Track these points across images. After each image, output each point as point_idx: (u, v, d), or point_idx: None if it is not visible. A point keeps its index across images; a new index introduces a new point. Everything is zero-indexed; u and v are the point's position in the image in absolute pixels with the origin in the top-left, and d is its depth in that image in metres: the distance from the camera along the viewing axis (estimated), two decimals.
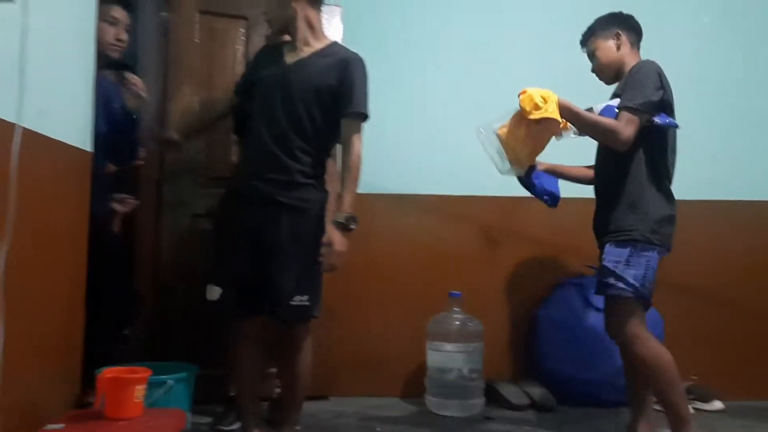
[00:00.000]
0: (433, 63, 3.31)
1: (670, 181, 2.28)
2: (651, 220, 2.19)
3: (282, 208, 2.03)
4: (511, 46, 3.32)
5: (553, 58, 3.20)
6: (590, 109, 2.30)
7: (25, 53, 1.53)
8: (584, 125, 2.24)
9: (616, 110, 2.20)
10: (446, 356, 2.88)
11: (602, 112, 2.26)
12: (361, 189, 3.06)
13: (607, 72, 2.41)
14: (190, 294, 2.61)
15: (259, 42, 2.72)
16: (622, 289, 2.17)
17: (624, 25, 2.40)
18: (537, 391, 2.99)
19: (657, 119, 2.18)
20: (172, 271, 2.77)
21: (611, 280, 2.19)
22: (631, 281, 2.16)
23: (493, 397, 2.99)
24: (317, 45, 2.13)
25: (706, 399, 3.03)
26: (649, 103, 2.16)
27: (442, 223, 3.25)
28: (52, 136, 1.77)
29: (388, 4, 3.32)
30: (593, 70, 2.46)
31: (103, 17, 2.29)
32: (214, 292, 2.06)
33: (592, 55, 2.44)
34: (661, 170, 2.24)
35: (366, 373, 3.10)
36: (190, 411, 2.22)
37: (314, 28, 2.15)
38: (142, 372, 1.88)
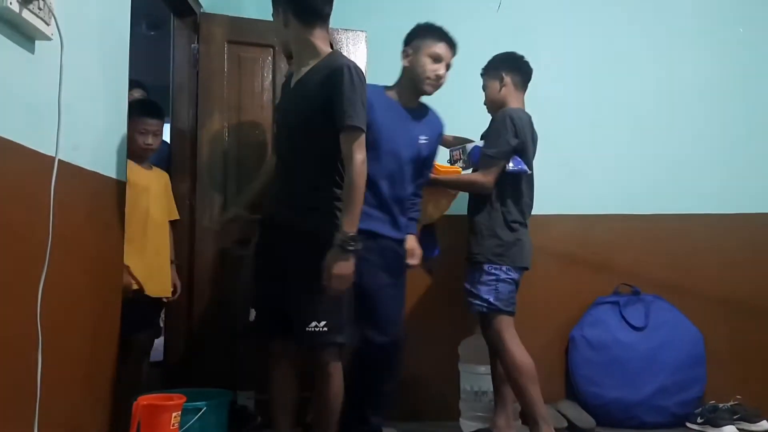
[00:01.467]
0: (454, 81, 3.30)
1: (522, 213, 2.63)
2: (495, 244, 2.54)
3: (293, 234, 2.02)
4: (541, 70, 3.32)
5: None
6: (464, 148, 2.71)
7: (61, 90, 1.57)
8: (453, 186, 2.70)
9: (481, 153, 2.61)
10: (479, 378, 2.83)
11: (471, 154, 2.67)
12: None
13: (490, 108, 2.72)
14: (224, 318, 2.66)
15: (286, 69, 2.77)
16: (479, 305, 2.52)
17: (510, 67, 2.67)
18: (575, 413, 2.92)
19: (510, 164, 2.55)
20: (206, 295, 2.81)
21: (469, 299, 2.56)
22: (485, 297, 2.50)
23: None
24: (313, 62, 2.08)
25: (751, 419, 2.92)
26: (503, 151, 2.53)
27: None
28: (85, 167, 1.81)
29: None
30: (484, 103, 2.75)
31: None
32: (251, 314, 2.13)
33: (483, 89, 2.73)
34: (509, 204, 2.59)
35: (400, 398, 3.06)
36: None
37: (311, 46, 2.09)
38: (177, 399, 1.89)
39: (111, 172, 2.03)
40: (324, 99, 1.97)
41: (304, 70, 2.10)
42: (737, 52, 3.36)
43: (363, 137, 1.97)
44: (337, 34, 2.93)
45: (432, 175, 2.58)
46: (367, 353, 2.30)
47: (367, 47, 3.03)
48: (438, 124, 2.53)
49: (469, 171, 2.67)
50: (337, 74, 1.96)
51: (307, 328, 1.98)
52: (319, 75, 2.02)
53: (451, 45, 2.44)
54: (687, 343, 3.01)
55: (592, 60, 3.34)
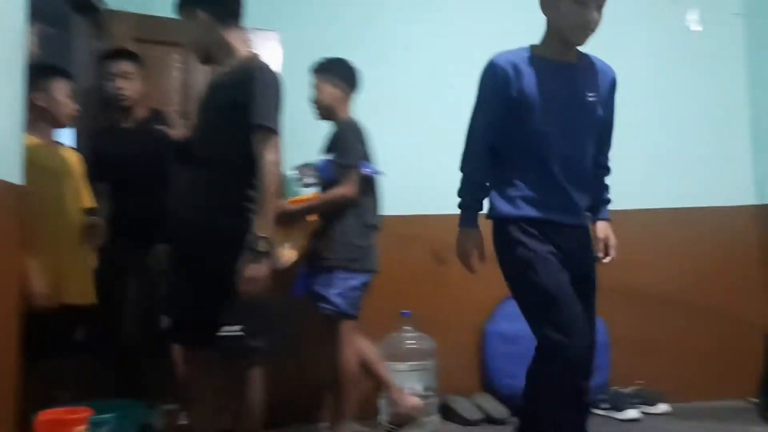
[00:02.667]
0: (378, 82, 3.33)
1: (375, 217, 2.70)
2: (348, 249, 2.57)
3: (203, 237, 1.98)
4: (455, 65, 3.40)
5: None
6: (309, 165, 2.78)
7: None
8: (321, 210, 2.66)
9: (335, 166, 2.61)
10: (399, 376, 2.87)
11: (321, 170, 2.68)
12: None
13: (320, 111, 2.73)
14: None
15: (198, 69, 2.71)
16: (329, 309, 2.55)
17: (343, 75, 2.71)
18: (490, 405, 3.01)
19: (364, 169, 2.61)
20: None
21: (320, 303, 2.57)
22: (334, 301, 2.54)
23: (447, 413, 3.00)
24: (229, 63, 2.06)
25: (651, 402, 3.11)
26: (357, 158, 2.59)
27: (388, 244, 3.24)
28: None
29: (329, 26, 3.35)
30: (310, 100, 2.74)
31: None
32: (164, 321, 2.10)
33: (312, 87, 2.71)
34: (364, 209, 2.63)
35: (321, 400, 3.05)
36: None
37: (227, 46, 2.06)
38: (82, 412, 1.81)
39: (5, 175, 1.91)
40: (236, 100, 1.94)
41: (220, 70, 2.06)
42: (677, 44, 3.58)
43: (276, 139, 1.95)
44: (250, 35, 2.89)
45: (290, 208, 2.61)
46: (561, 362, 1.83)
47: (282, 48, 3.01)
48: (608, 71, 2.01)
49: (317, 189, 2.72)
50: (251, 75, 1.94)
51: (220, 333, 1.94)
52: (235, 76, 1.99)
53: None
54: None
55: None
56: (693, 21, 3.61)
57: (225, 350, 1.98)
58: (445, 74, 3.40)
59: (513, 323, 3.13)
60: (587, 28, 1.87)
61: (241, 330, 1.95)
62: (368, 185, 2.68)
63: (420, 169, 3.31)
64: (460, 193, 1.99)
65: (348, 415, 2.62)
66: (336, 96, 2.68)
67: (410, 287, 3.20)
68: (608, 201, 2.13)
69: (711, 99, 3.60)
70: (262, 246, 1.87)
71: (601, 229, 2.08)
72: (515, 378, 3.05)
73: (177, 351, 2.23)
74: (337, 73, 2.70)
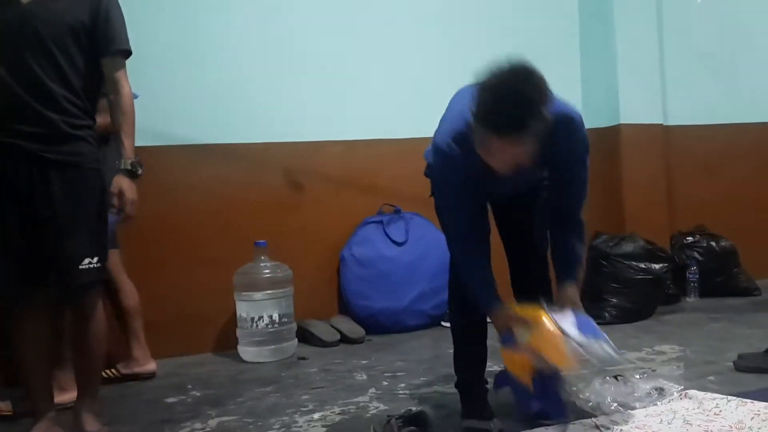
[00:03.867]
0: (225, 7, 3.15)
1: None
2: None
3: (51, 165, 1.82)
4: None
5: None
6: None
7: None
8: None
9: None
10: (256, 305, 2.88)
11: None
12: (155, 141, 2.93)
13: None
14: None
15: None
16: None
17: None
18: (346, 326, 3.14)
19: None
20: None
21: None
22: None
23: (305, 337, 3.09)
24: None
25: None
26: None
27: (242, 172, 3.18)
28: None
29: None
30: None
31: None
32: None
33: None
34: None
35: (175, 334, 2.99)
36: None
37: None
38: None
39: None
40: (90, 19, 1.86)
41: None
42: None
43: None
44: None
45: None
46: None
47: None
48: None
49: None
50: None
51: (80, 266, 1.84)
52: None
53: None
54: (440, 253, 3.33)
55: None
56: None
57: (83, 284, 1.86)
58: None
59: (366, 248, 3.28)
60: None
61: (98, 261, 1.89)
62: None
63: (269, 95, 3.21)
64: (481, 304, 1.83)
65: None
66: None
67: (265, 216, 3.17)
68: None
69: None
70: (138, 169, 1.91)
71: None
72: (369, 299, 3.24)
73: None
74: None
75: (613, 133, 3.64)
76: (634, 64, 3.63)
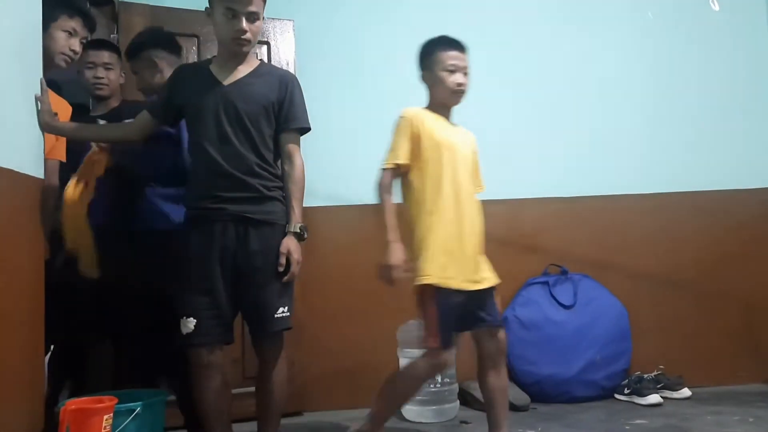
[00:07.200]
0: (386, 72, 3.32)
1: None
2: None
3: (251, 224, 2.04)
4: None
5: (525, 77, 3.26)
6: None
7: None
8: None
9: None
10: None
11: None
12: (323, 202, 3.11)
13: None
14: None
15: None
16: None
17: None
18: (510, 392, 3.00)
19: None
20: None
21: None
22: None
23: (467, 400, 3.01)
24: (248, 65, 2.14)
25: (673, 387, 3.09)
26: None
27: None
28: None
29: (341, 15, 3.33)
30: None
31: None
32: (189, 324, 2.01)
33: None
34: None
35: (340, 387, 3.08)
36: None
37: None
38: (108, 401, 1.83)
39: (27, 169, 1.93)
40: (278, 99, 2.10)
41: (243, 69, 2.11)
42: (649, 37, 3.51)
43: None
44: (264, 24, 2.88)
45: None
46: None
47: (294, 36, 3.00)
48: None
49: None
50: (291, 81, 2.16)
51: (276, 315, 2.04)
52: (268, 78, 2.13)
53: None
54: (613, 318, 3.15)
55: (511, 46, 3.42)
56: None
57: (277, 330, 2.06)
58: None
59: (531, 309, 3.15)
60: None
61: (288, 310, 2.08)
62: None
63: None
64: None
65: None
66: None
67: None
68: None
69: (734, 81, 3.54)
70: (304, 232, 2.09)
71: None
72: (534, 364, 3.09)
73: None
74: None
75: None
76: None
